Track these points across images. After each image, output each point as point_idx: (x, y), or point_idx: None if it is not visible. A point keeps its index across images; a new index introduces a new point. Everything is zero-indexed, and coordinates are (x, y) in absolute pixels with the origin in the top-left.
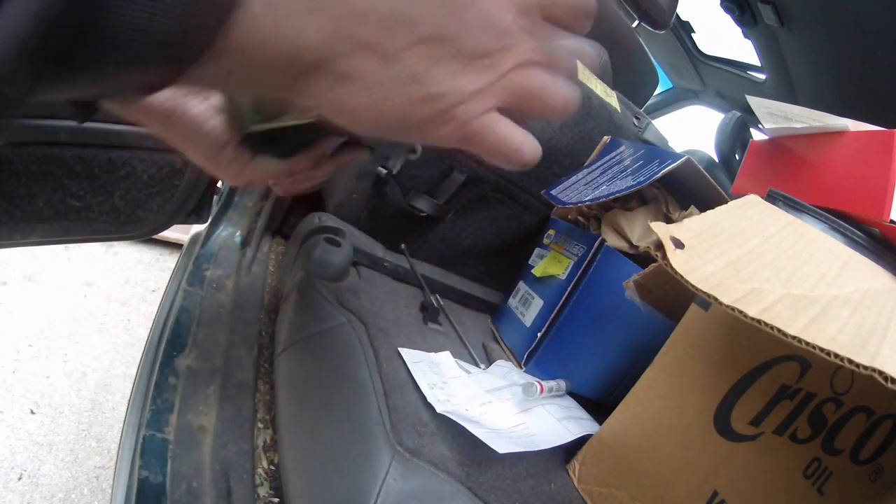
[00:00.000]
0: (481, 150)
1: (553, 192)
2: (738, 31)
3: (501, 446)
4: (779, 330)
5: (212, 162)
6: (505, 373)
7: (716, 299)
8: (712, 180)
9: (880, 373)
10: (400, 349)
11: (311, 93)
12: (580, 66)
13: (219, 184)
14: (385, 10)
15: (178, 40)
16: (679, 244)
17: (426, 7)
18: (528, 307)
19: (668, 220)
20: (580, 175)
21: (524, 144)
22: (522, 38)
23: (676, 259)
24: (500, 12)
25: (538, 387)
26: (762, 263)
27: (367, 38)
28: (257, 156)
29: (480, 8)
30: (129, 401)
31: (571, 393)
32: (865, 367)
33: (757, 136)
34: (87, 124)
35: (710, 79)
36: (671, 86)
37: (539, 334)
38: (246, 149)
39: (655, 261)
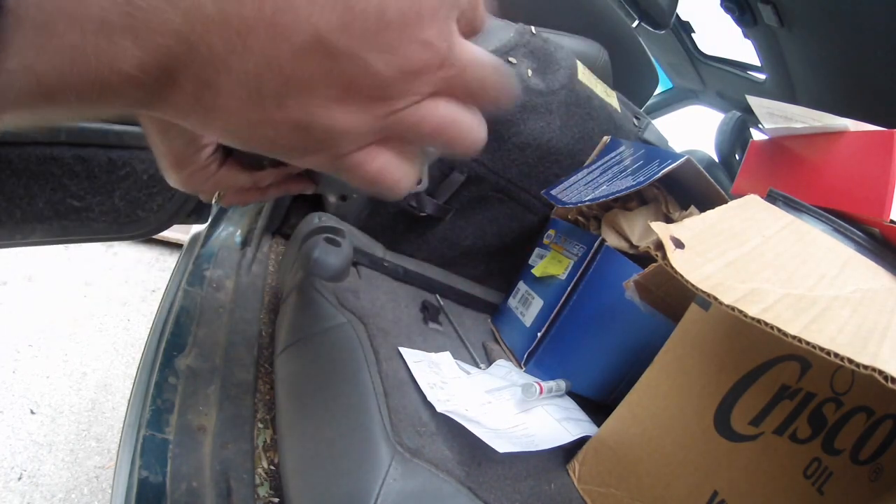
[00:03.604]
0: (354, 182)
1: (553, 192)
2: (738, 31)
3: (501, 446)
4: (779, 330)
5: (179, 164)
6: (505, 373)
7: (716, 299)
8: (712, 180)
9: (880, 372)
10: (400, 349)
11: (171, 109)
12: (580, 66)
13: None
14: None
15: None
16: (679, 244)
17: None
18: (528, 307)
19: (668, 220)
20: (580, 175)
21: (400, 182)
22: (433, 65)
23: (676, 259)
24: (417, 28)
25: (537, 387)
26: (762, 263)
27: (224, 43)
28: (226, 164)
29: (392, 18)
30: (129, 401)
31: (571, 393)
32: (865, 367)
33: (757, 136)
34: (87, 124)
35: (710, 79)
36: (671, 86)
37: (539, 334)
38: (219, 155)
39: (655, 261)
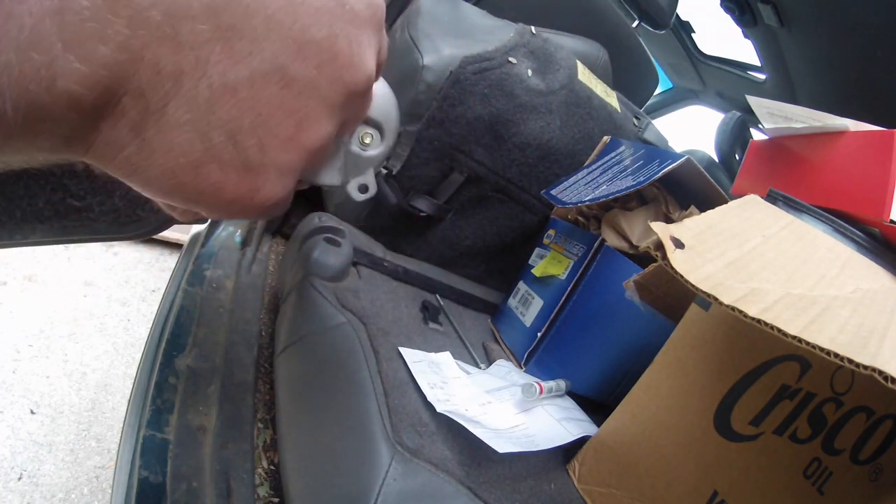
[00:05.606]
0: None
1: (553, 192)
2: (738, 31)
3: (501, 446)
4: (779, 330)
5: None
6: (505, 373)
7: (716, 299)
8: (712, 180)
9: (880, 373)
10: (400, 349)
11: (103, 147)
12: (580, 66)
13: None
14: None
15: None
16: (679, 244)
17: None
18: (528, 307)
19: (668, 220)
20: (580, 175)
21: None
22: (367, 91)
23: (676, 259)
24: (359, 56)
25: (537, 388)
26: (762, 263)
27: (174, 59)
28: None
29: (341, 47)
30: (129, 401)
31: (571, 393)
32: (865, 367)
33: (757, 136)
34: None
35: (710, 79)
36: (671, 86)
37: (539, 334)
38: None
39: (655, 261)
